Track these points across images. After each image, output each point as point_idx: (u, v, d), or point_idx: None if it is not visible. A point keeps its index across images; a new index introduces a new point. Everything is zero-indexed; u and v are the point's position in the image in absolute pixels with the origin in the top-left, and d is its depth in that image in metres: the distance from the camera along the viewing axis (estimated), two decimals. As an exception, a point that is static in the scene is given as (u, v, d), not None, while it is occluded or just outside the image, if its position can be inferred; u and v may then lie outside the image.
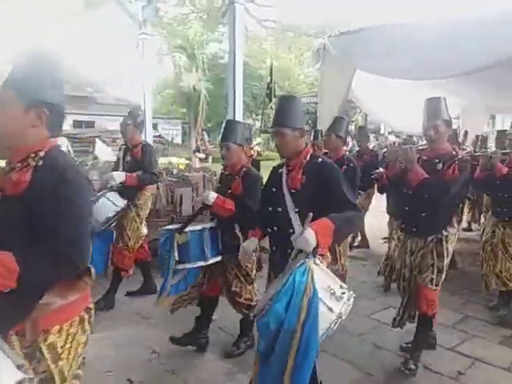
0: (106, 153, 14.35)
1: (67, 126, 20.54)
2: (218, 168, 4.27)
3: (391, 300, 3.85)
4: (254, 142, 11.48)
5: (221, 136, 2.96)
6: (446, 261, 2.82)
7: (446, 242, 2.80)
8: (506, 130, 6.34)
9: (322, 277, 1.74)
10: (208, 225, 2.93)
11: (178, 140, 25.72)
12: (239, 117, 7.47)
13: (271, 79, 10.16)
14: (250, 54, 21.03)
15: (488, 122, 7.85)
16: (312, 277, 1.69)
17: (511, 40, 3.88)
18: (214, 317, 3.30)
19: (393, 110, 7.42)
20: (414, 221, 2.83)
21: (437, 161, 2.74)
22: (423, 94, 6.47)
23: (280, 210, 2.19)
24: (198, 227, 2.87)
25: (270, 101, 10.71)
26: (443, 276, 2.82)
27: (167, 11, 19.72)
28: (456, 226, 2.89)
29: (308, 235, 1.79)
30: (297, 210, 2.12)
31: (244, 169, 2.92)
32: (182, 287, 3.04)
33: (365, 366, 2.87)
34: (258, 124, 23.34)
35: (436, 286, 2.79)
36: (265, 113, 11.33)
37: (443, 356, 3.00)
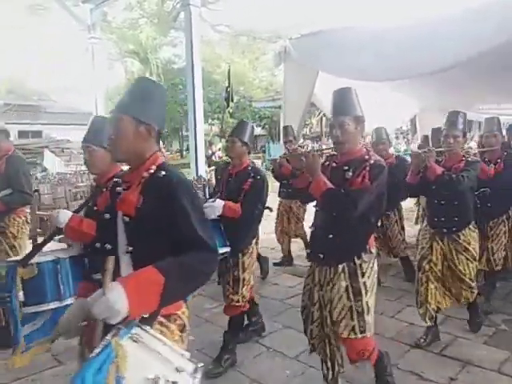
0: (55, 164, 13.59)
1: (11, 136, 19.35)
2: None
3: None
4: (216, 147, 11.34)
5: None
6: (367, 299, 2.19)
7: (362, 273, 2.20)
8: (440, 127, 6.41)
9: (142, 360, 1.17)
10: (67, 253, 2.27)
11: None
12: (200, 122, 7.29)
13: (229, 83, 10.00)
14: (204, 58, 20.82)
15: (443, 122, 8.04)
16: (118, 368, 1.12)
17: (471, 40, 3.93)
18: (190, 337, 3.05)
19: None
20: (320, 244, 2.29)
21: (346, 168, 2.22)
22: (384, 95, 6.59)
23: (109, 247, 1.50)
24: (50, 257, 2.21)
25: (228, 105, 10.51)
26: (370, 319, 2.21)
27: (115, 16, 19.18)
28: (373, 251, 2.27)
29: (112, 298, 1.20)
30: (130, 248, 1.45)
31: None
32: (47, 329, 2.18)
33: None
34: (214, 129, 23.12)
35: (362, 333, 2.18)
36: (224, 117, 11.13)
37: (433, 361, 2.93)
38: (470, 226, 3.12)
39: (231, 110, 10.65)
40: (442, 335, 3.27)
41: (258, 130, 21.70)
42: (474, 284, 3.13)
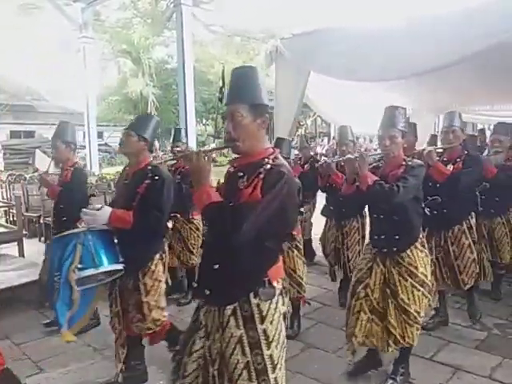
0: (47, 164, 13.41)
1: (3, 136, 19.19)
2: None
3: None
4: (208, 148, 11.29)
5: None
6: (269, 352, 1.61)
7: (262, 319, 1.62)
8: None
9: None
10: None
11: (127, 148, 24.80)
12: (192, 122, 7.22)
13: (223, 83, 9.91)
14: (197, 58, 20.74)
15: (434, 123, 8.05)
16: None
17: (463, 40, 3.88)
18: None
19: (345, 113, 7.41)
20: (205, 277, 1.76)
21: (240, 174, 1.68)
22: (375, 95, 6.55)
23: None
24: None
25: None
26: (279, 378, 1.65)
27: (109, 16, 19.05)
28: (277, 285, 1.68)
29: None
30: None
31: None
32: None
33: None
34: (209, 129, 23.05)
35: None
36: (217, 118, 11.07)
37: (423, 368, 2.86)
38: (417, 245, 2.57)
39: (221, 111, 10.51)
40: (434, 340, 3.22)
41: (253, 130, 21.59)
42: (420, 318, 2.54)
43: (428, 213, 2.88)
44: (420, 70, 4.20)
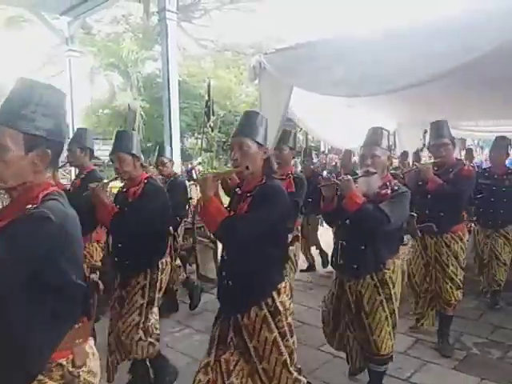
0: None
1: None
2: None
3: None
4: (195, 162, 11.23)
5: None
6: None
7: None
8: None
9: None
10: None
11: (116, 161, 24.74)
12: (176, 135, 7.15)
13: (209, 98, 9.93)
14: (189, 73, 20.81)
15: (421, 137, 8.09)
16: None
17: (446, 54, 3.83)
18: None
19: (331, 128, 7.42)
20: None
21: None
22: (360, 110, 6.55)
23: None
24: None
25: (209, 119, 10.42)
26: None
27: (100, 30, 19.12)
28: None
29: None
30: None
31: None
32: None
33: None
34: (199, 143, 22.99)
35: None
36: (205, 131, 11.05)
37: (399, 390, 2.78)
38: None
39: (212, 124, 10.51)
40: (411, 360, 3.14)
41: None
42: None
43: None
44: (396, 86, 4.18)
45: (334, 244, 2.63)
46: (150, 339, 2.63)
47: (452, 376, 2.95)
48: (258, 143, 1.99)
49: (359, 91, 4.65)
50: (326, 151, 15.01)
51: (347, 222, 2.46)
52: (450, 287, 3.19)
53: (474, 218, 4.36)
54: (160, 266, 2.68)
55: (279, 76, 5.52)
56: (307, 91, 5.40)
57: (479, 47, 3.55)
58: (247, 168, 1.96)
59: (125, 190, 2.73)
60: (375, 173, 2.41)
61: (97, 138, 22.33)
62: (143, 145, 20.33)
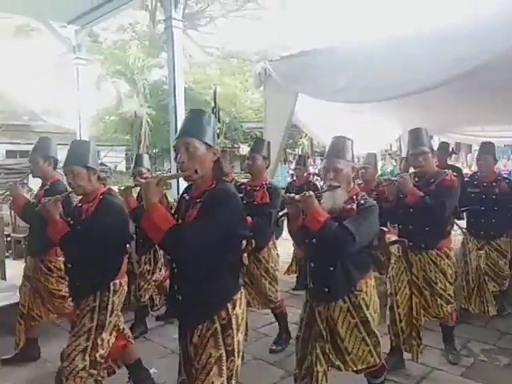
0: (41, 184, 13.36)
1: (-1, 156, 19.19)
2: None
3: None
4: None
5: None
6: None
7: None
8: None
9: None
10: None
11: (122, 167, 24.92)
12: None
13: (215, 104, 10.02)
14: (195, 80, 20.98)
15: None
16: None
17: (452, 59, 3.83)
18: (152, 370, 2.92)
19: (335, 134, 7.41)
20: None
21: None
22: (363, 117, 6.57)
23: None
24: None
25: (215, 126, 10.51)
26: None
27: (106, 38, 19.35)
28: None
29: None
30: None
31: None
32: None
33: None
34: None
35: None
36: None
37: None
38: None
39: (218, 131, 10.60)
40: (418, 367, 3.12)
41: (250, 150, 21.76)
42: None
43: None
44: (401, 93, 4.19)
45: (303, 266, 2.46)
46: (95, 375, 2.36)
47: (459, 383, 2.93)
48: (206, 144, 1.82)
49: (364, 98, 4.68)
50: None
51: (314, 241, 2.26)
52: (441, 303, 3.01)
53: (465, 229, 4.17)
54: (112, 287, 2.46)
55: (284, 83, 5.56)
56: (312, 97, 5.44)
57: (485, 54, 3.56)
58: (196, 172, 1.79)
59: (80, 205, 2.53)
60: (339, 186, 2.24)
61: (103, 145, 22.58)
62: (149, 151, 20.46)
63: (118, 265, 2.53)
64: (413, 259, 3.03)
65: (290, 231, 2.56)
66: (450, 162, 6.30)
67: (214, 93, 9.91)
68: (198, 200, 1.82)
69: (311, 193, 2.18)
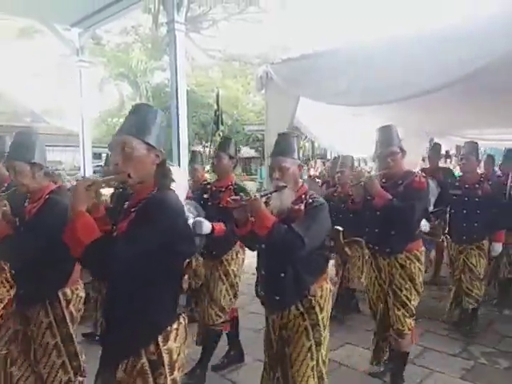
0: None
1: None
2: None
3: (348, 336, 3.59)
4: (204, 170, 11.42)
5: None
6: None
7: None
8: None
9: None
10: None
11: (125, 169, 25.02)
12: (184, 144, 7.22)
13: (218, 107, 10.07)
14: (197, 82, 21.04)
15: (427, 146, 8.10)
16: None
17: (452, 62, 3.83)
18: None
19: (336, 136, 7.45)
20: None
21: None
22: (363, 120, 6.59)
23: None
24: None
25: (218, 128, 10.59)
26: None
27: (109, 40, 19.44)
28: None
29: None
30: None
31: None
32: None
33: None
34: (208, 151, 23.16)
35: None
36: (213, 140, 11.20)
37: (405, 399, 2.78)
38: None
39: (221, 134, 10.66)
40: (418, 369, 3.14)
41: (252, 153, 21.87)
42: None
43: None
44: (402, 96, 4.21)
45: (256, 273, 2.31)
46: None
47: (459, 385, 2.94)
48: (148, 145, 1.57)
49: (365, 100, 4.69)
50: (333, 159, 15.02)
51: (263, 246, 2.15)
52: (403, 314, 2.75)
53: (446, 232, 4.02)
54: (62, 296, 2.22)
55: (285, 86, 5.59)
56: (313, 101, 5.47)
57: (485, 56, 3.57)
58: (129, 176, 1.53)
59: (26, 204, 2.27)
60: (285, 186, 2.10)
61: (106, 147, 22.63)
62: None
63: (66, 272, 2.25)
64: (381, 263, 2.88)
65: (239, 237, 2.36)
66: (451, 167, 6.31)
67: (217, 96, 9.92)
68: (132, 210, 1.55)
69: (257, 195, 2.04)
